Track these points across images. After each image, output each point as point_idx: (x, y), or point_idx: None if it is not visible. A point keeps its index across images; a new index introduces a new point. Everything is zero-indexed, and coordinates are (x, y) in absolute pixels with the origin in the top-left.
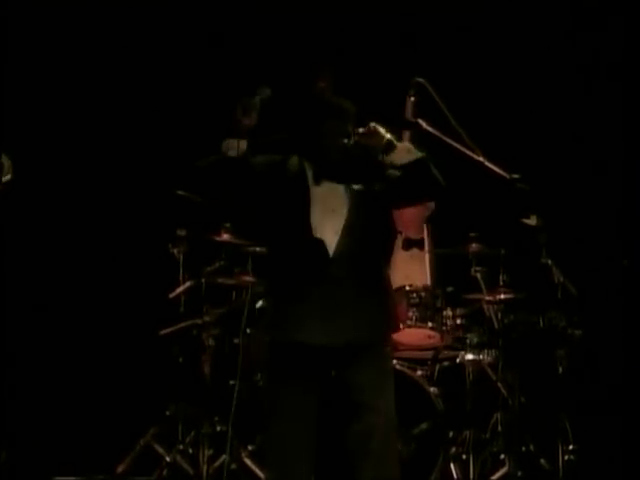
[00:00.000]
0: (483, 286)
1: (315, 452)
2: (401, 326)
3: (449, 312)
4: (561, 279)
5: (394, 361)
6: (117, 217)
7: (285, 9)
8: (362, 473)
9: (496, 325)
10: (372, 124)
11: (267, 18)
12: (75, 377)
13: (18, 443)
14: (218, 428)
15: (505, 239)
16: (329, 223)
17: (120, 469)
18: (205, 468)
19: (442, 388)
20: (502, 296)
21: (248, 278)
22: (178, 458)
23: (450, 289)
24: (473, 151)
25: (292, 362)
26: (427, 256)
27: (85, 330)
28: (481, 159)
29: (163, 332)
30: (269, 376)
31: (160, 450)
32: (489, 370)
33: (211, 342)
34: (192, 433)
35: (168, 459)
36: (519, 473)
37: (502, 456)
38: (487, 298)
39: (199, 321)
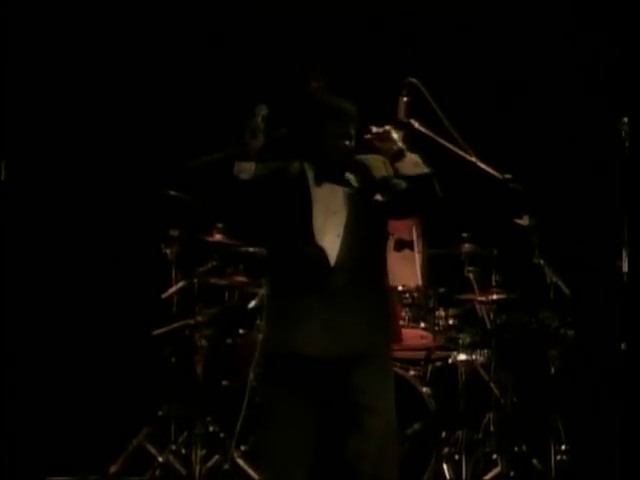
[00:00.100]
0: (475, 286)
1: (314, 460)
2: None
3: (442, 312)
4: (553, 279)
5: None
6: (110, 217)
7: (285, 9)
8: (361, 475)
9: (489, 325)
10: (387, 127)
11: (267, 18)
12: (68, 377)
13: (11, 443)
14: (211, 428)
15: (498, 239)
16: (331, 226)
17: (113, 469)
18: (198, 468)
19: (434, 388)
20: (495, 296)
21: (240, 278)
22: (171, 458)
23: (442, 289)
24: (466, 151)
25: (292, 372)
26: (417, 257)
27: (78, 330)
28: (474, 159)
29: (156, 332)
30: (268, 385)
31: (153, 450)
32: (481, 370)
33: (204, 342)
34: (185, 433)
35: (161, 459)
36: (511, 473)
37: (494, 456)
38: (479, 298)
39: (192, 321)
